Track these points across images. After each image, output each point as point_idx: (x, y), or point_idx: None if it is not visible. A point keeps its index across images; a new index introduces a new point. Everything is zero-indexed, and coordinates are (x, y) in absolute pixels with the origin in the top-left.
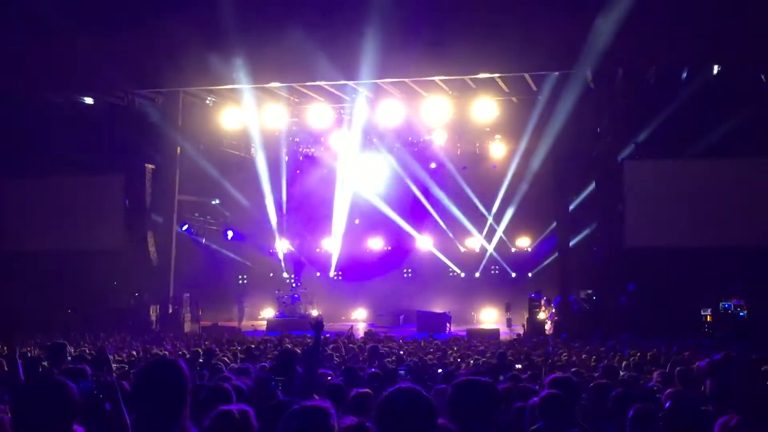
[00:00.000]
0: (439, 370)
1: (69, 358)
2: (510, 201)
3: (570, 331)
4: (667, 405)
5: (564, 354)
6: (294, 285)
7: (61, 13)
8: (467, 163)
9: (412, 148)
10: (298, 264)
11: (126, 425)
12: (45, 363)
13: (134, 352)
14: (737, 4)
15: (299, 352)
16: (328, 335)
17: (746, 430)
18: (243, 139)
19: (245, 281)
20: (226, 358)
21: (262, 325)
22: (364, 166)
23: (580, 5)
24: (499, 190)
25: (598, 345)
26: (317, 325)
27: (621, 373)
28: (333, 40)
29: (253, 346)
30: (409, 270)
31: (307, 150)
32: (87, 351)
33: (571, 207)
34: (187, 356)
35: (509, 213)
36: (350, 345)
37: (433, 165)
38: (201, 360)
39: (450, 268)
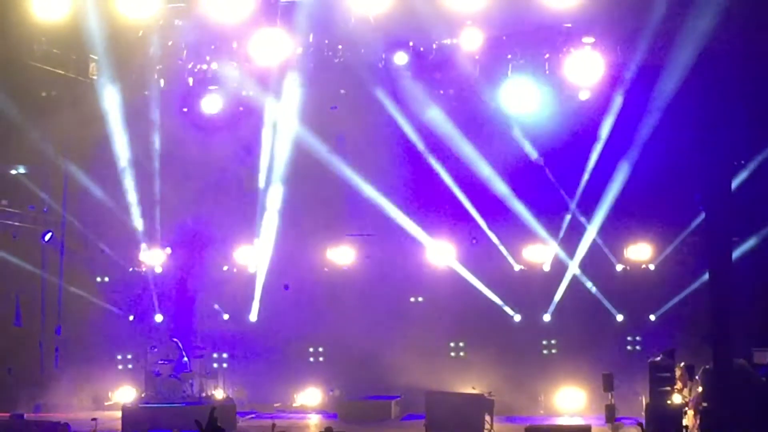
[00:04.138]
0: None
1: None
2: (613, 172)
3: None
4: None
5: None
6: (176, 339)
7: None
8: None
9: (413, 63)
10: (183, 297)
11: None
12: None
13: None
14: None
15: None
16: None
17: None
18: (74, 44)
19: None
20: None
21: (110, 418)
22: (313, 97)
23: None
24: (591, 150)
25: None
26: (214, 424)
27: None
28: None
29: None
30: (415, 300)
31: (203, 67)
32: None
33: (736, 183)
34: None
35: (611, 196)
36: None
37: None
38: None
39: (493, 303)
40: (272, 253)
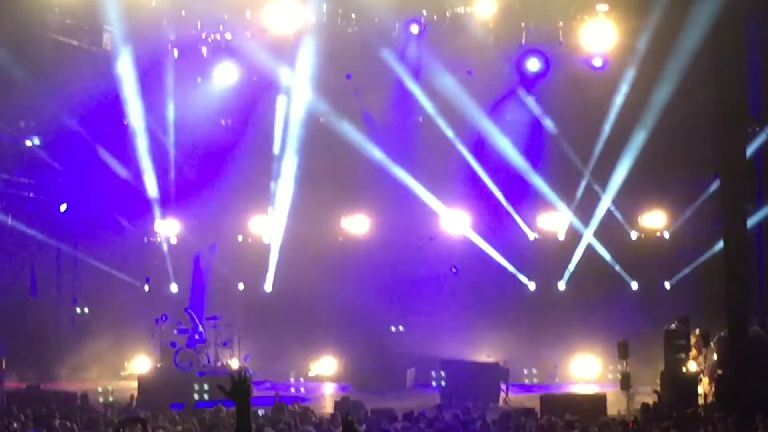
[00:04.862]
0: None
1: None
2: (627, 139)
3: (751, 401)
4: None
5: None
6: (190, 311)
7: None
8: (540, 60)
9: (427, 31)
10: (199, 265)
11: None
12: None
13: None
14: None
15: None
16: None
17: None
18: (88, 15)
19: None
20: None
21: (126, 389)
22: (327, 66)
23: None
24: (606, 119)
25: None
26: (239, 386)
27: None
28: None
29: None
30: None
31: (217, 37)
32: None
33: (751, 150)
34: None
35: (626, 163)
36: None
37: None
38: None
39: (507, 272)
40: (286, 222)
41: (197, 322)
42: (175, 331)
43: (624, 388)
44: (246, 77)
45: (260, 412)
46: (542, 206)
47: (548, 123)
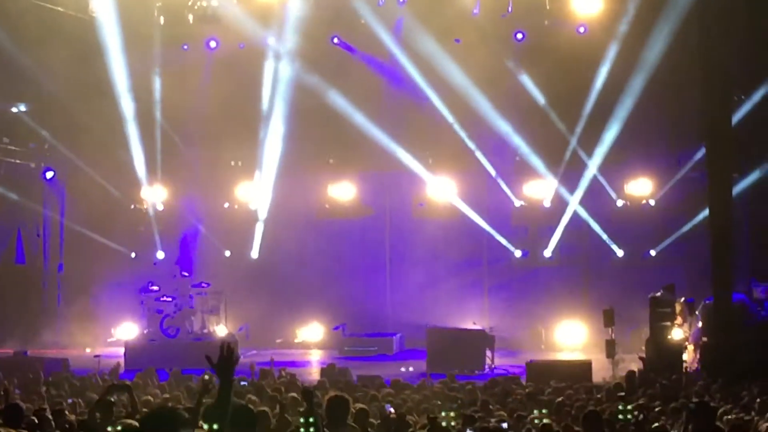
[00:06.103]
0: None
1: None
2: (613, 107)
3: (735, 368)
4: None
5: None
6: (180, 276)
7: None
8: (527, 27)
9: (415, 0)
10: (186, 234)
11: None
12: None
13: None
14: None
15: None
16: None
17: None
18: None
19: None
20: None
21: (114, 355)
22: (313, 33)
23: None
24: (592, 86)
25: None
26: (225, 359)
27: None
28: None
29: None
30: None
31: (203, 4)
32: None
33: (737, 118)
34: None
35: (612, 131)
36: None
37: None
38: None
39: (494, 239)
40: (273, 189)
41: (187, 291)
42: (161, 298)
43: (609, 355)
44: (232, 44)
45: (243, 383)
46: (528, 174)
47: (535, 90)
